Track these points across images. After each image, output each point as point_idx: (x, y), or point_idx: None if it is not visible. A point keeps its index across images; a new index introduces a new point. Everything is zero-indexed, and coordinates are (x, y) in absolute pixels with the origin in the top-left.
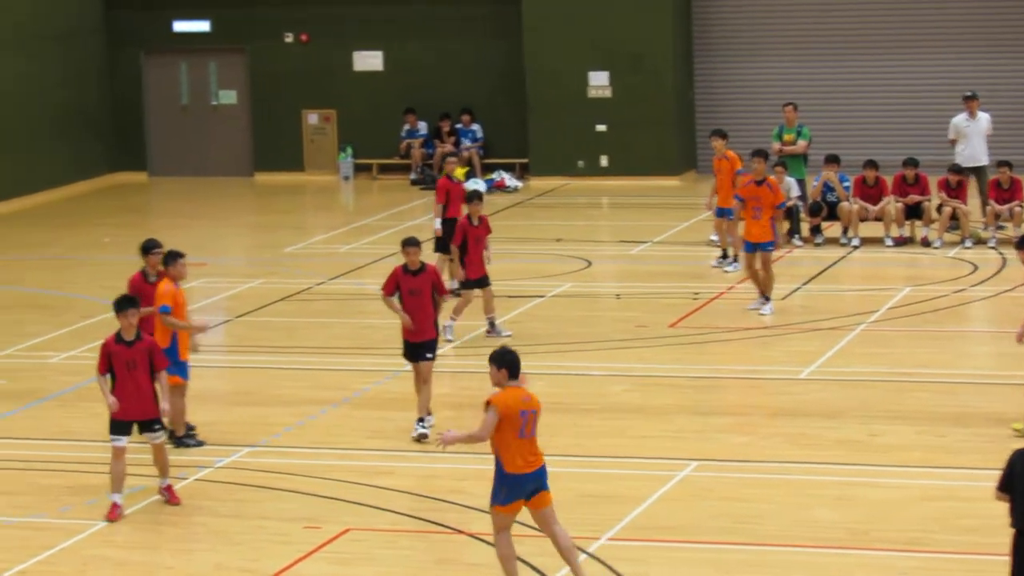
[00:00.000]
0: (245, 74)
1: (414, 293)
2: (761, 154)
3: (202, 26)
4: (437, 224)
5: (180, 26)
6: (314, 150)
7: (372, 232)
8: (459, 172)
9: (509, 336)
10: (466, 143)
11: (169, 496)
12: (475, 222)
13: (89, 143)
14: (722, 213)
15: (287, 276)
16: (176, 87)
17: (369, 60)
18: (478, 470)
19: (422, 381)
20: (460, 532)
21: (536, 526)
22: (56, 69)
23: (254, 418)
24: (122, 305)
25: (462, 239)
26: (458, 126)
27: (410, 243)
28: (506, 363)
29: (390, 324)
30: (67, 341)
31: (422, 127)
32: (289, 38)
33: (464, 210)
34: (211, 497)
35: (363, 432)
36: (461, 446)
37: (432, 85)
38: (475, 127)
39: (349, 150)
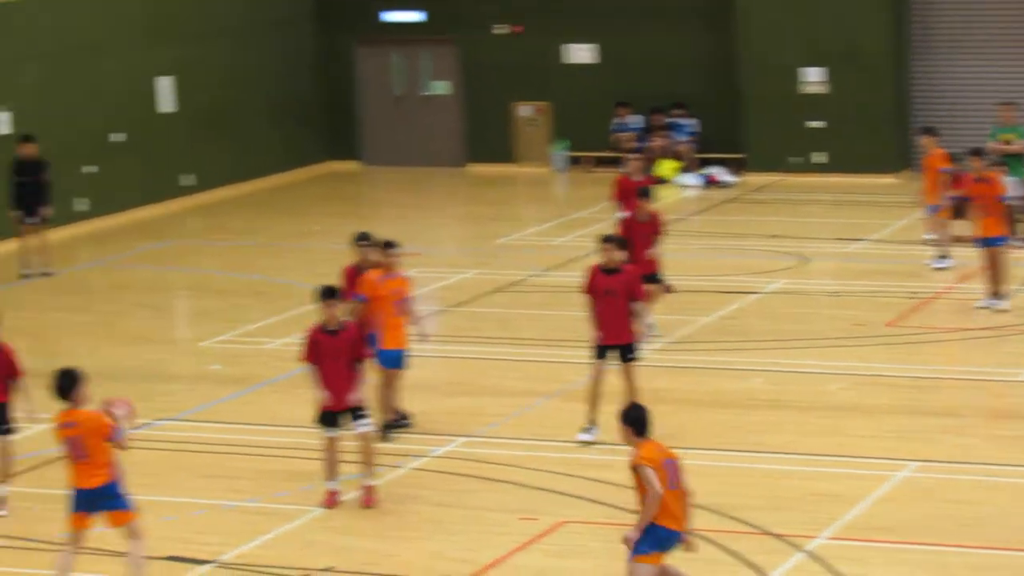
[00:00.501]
0: (457, 65)
1: (609, 293)
2: (979, 152)
3: (415, 16)
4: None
5: (392, 16)
6: (526, 142)
7: (585, 225)
8: (670, 167)
9: (659, 336)
10: (679, 137)
11: (366, 498)
12: (642, 218)
13: (303, 131)
14: (934, 210)
15: (499, 267)
16: (389, 77)
17: (582, 53)
18: (694, 466)
19: (627, 382)
20: None
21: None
22: (271, 57)
23: (469, 408)
24: (325, 295)
25: (626, 236)
26: (671, 120)
27: (610, 240)
28: (629, 420)
29: None
30: (283, 327)
31: (634, 121)
32: (502, 30)
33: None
34: (427, 486)
35: (577, 425)
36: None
37: (645, 78)
38: (689, 121)
39: (564, 142)
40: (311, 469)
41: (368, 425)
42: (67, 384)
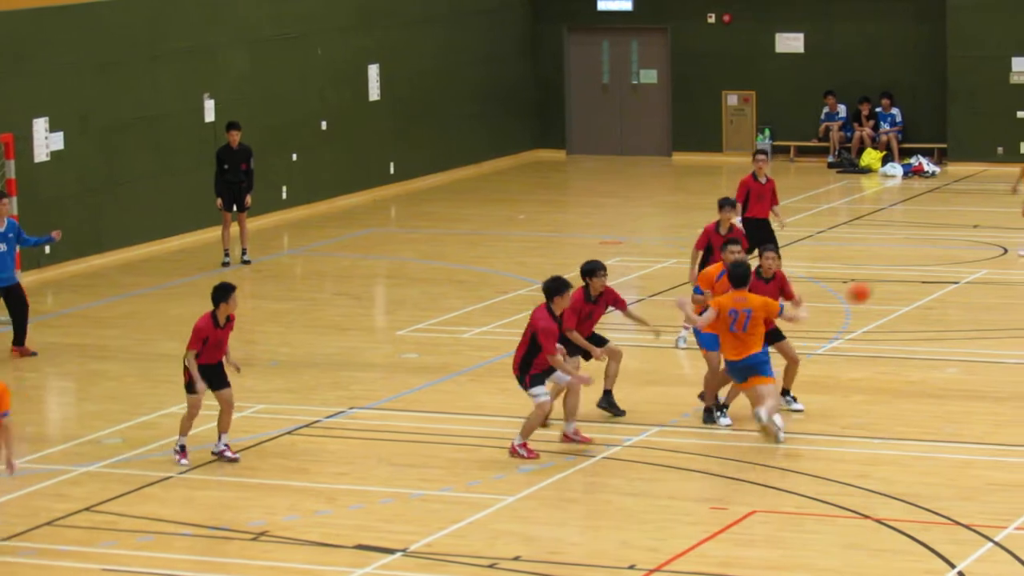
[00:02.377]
0: (666, 54)
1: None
2: None
3: (625, 4)
4: (737, 222)
5: (604, 4)
6: (733, 131)
7: (788, 214)
8: (875, 157)
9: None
10: (885, 127)
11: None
12: (722, 230)
13: (511, 119)
14: None
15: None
16: (598, 65)
17: (790, 42)
18: (887, 455)
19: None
20: (866, 517)
21: None
22: (481, 44)
23: (662, 397)
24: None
25: (705, 244)
26: (878, 110)
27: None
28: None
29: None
30: (481, 316)
31: (841, 110)
32: (712, 19)
33: (767, 211)
34: (618, 475)
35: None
36: None
37: (852, 68)
38: (894, 111)
39: (767, 132)
40: (504, 458)
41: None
42: None
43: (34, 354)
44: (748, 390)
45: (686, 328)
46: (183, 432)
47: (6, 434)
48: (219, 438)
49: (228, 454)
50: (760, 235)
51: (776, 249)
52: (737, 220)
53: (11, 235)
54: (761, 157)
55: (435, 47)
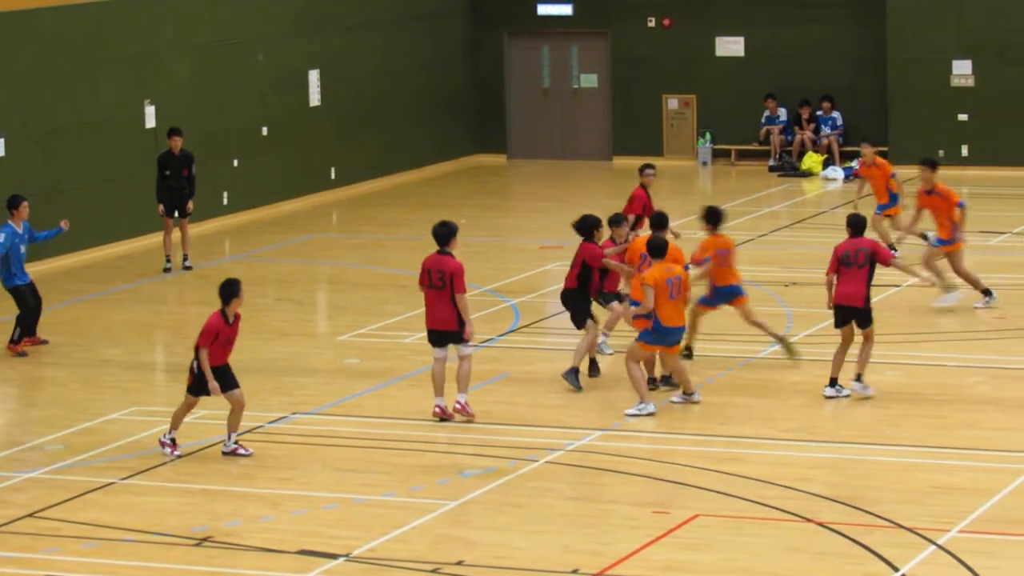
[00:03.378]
0: (606, 58)
1: None
2: None
3: (565, 9)
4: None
5: (544, 9)
6: (673, 135)
7: (730, 218)
8: (815, 160)
9: (611, 354)
10: (826, 130)
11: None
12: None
13: (452, 124)
14: None
15: None
16: (538, 70)
17: (731, 46)
18: (829, 459)
19: None
20: (809, 520)
21: None
22: (422, 49)
23: (605, 402)
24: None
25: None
26: (819, 113)
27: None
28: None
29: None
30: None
31: (782, 113)
32: (652, 23)
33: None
34: (561, 480)
35: (713, 418)
36: None
37: (793, 71)
38: (835, 114)
39: (708, 135)
40: (447, 463)
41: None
42: None
43: (45, 342)
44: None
45: (606, 334)
46: (175, 426)
47: None
48: (228, 437)
49: (241, 451)
50: None
51: None
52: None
53: (26, 236)
54: (649, 171)
55: (376, 52)
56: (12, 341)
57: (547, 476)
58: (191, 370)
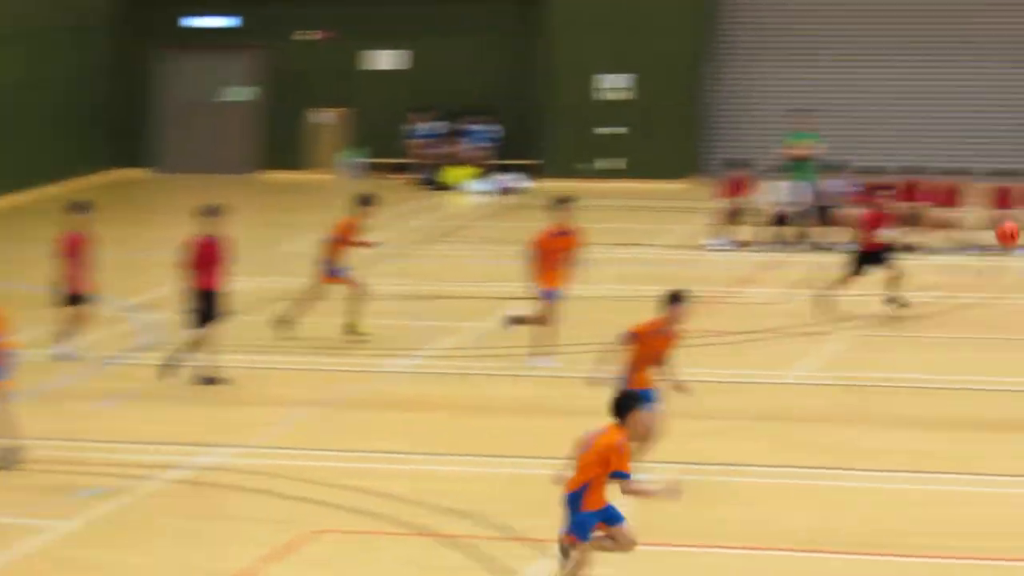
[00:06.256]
0: (258, 71)
1: None
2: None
3: (218, 22)
4: None
5: (195, 21)
6: (322, 149)
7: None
8: (466, 173)
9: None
10: (478, 144)
11: None
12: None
13: (96, 137)
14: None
15: (277, 274)
16: (187, 83)
17: (384, 59)
18: (456, 472)
19: None
20: (432, 535)
21: None
22: (66, 60)
23: (238, 418)
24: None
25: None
26: (471, 127)
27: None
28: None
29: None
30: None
31: (434, 127)
32: (306, 35)
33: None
34: (185, 496)
35: (344, 435)
36: None
37: (446, 85)
38: (487, 128)
39: (358, 149)
40: (65, 483)
41: None
42: None
43: None
44: None
45: None
46: None
47: None
48: None
49: None
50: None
51: None
52: None
53: None
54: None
55: (19, 63)
56: None
57: (173, 493)
58: None
